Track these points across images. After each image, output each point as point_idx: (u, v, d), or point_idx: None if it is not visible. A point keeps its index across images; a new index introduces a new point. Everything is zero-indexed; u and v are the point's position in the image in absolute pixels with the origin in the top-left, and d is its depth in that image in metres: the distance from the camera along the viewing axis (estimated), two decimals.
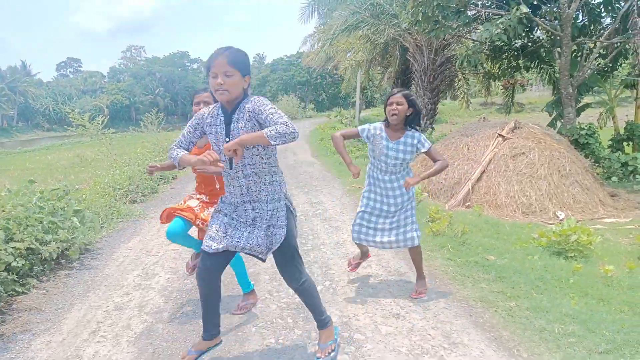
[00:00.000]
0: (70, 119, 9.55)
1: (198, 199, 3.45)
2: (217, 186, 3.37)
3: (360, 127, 3.63)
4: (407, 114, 3.43)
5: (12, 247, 3.76)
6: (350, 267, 4.11)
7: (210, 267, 2.59)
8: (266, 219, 2.53)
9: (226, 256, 2.64)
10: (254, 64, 78.03)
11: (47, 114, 62.06)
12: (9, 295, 3.59)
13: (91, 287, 4.04)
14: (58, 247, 4.33)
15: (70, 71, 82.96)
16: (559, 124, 10.33)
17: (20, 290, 3.75)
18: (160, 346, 2.98)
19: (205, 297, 2.65)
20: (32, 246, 4.03)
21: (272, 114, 2.33)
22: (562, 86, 9.47)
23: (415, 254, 3.70)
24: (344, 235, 5.48)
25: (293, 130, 2.26)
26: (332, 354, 2.74)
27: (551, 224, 6.12)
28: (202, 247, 2.57)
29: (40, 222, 4.30)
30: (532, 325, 3.18)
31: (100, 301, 3.72)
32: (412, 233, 3.62)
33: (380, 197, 3.63)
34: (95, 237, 5.33)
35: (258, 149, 2.44)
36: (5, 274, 3.52)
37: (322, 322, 2.79)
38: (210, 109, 2.53)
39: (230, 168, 2.48)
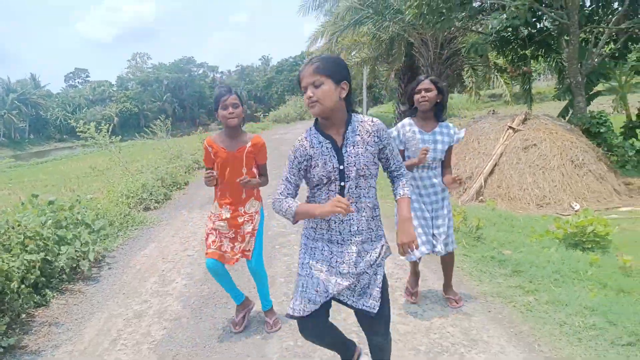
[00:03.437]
0: (76, 131, 9.59)
1: (215, 230, 3.13)
2: (244, 196, 3.12)
3: (394, 134, 3.29)
4: (437, 101, 3.23)
5: (26, 260, 3.76)
6: (412, 298, 3.57)
7: (314, 328, 2.13)
8: (369, 260, 2.06)
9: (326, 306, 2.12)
10: (259, 67, 77.88)
11: (58, 125, 62.87)
12: (29, 307, 3.64)
13: (110, 295, 4.08)
14: (72, 258, 4.37)
15: (78, 81, 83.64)
16: (569, 112, 10.21)
17: (40, 302, 3.80)
18: (180, 352, 3.01)
19: (330, 347, 2.30)
20: (48, 257, 4.08)
21: (396, 153, 2.09)
22: (570, 75, 9.36)
23: (451, 258, 3.42)
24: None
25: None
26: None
27: (567, 215, 6.06)
28: (291, 313, 2.07)
29: (51, 235, 4.31)
30: (551, 319, 3.16)
31: (120, 309, 3.76)
32: (452, 237, 3.33)
33: (415, 197, 3.26)
34: (112, 245, 5.39)
35: (374, 180, 2.06)
36: (21, 286, 3.54)
37: None
38: (304, 138, 2.03)
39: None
